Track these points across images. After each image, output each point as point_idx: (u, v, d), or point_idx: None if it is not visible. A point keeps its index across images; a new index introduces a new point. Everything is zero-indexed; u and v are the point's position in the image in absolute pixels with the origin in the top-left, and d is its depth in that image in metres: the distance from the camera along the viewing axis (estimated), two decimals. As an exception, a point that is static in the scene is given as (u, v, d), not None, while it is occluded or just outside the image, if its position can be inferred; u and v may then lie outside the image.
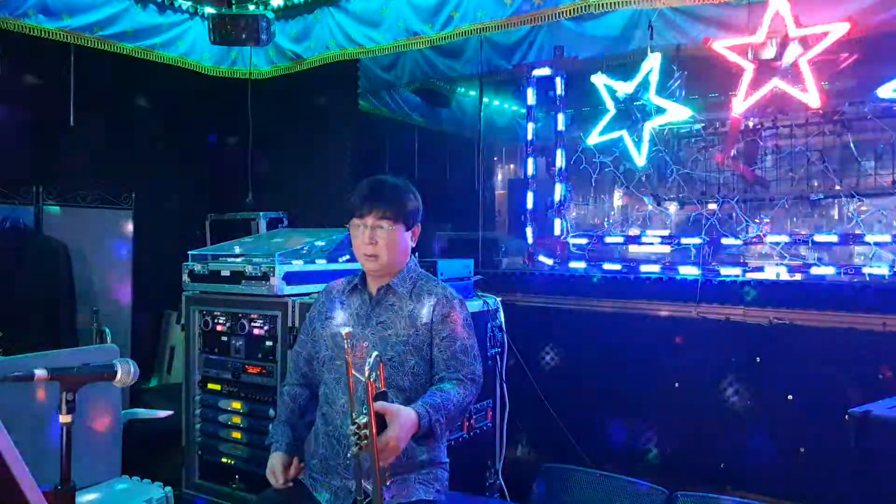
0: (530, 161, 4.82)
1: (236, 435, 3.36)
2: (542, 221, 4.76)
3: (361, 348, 2.15)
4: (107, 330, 4.42)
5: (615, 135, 4.45)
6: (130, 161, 5.13)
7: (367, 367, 1.79)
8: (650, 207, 4.64)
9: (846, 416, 2.28)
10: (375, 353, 1.84)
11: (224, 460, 3.40)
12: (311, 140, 5.48)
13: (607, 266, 4.33)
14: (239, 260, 3.40)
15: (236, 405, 3.35)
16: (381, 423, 1.83)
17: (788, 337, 3.51)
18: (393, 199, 2.20)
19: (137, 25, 4.75)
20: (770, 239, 4.05)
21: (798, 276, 3.78)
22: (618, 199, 5.29)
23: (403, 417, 1.88)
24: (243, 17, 4.69)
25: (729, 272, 3.91)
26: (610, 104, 4.45)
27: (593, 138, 4.52)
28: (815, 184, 4.33)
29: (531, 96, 4.78)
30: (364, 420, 1.78)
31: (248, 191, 5.54)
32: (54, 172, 4.69)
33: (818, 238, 3.94)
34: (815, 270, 3.77)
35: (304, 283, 3.25)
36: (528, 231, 4.75)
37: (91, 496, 2.70)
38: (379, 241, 2.17)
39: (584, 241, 4.61)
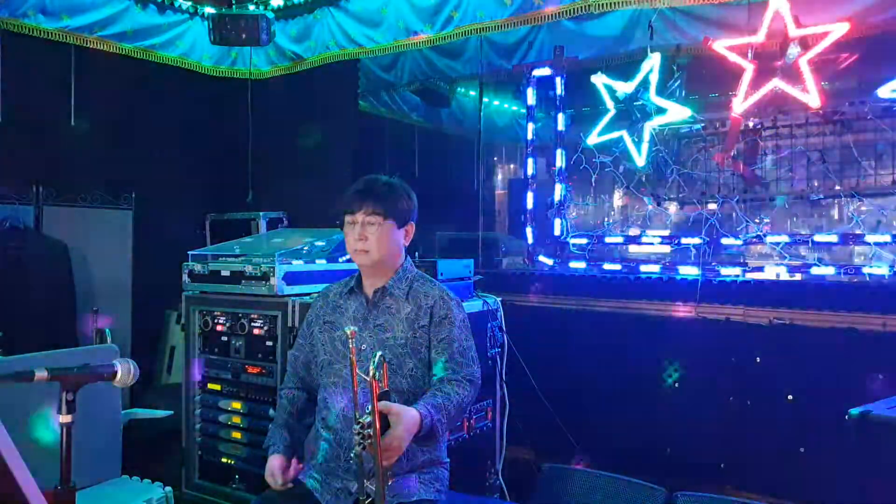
0: (530, 161, 4.82)
1: (236, 435, 3.36)
2: (542, 221, 4.76)
3: (360, 350, 2.15)
4: (107, 330, 4.42)
5: (615, 135, 4.45)
6: (130, 161, 5.13)
7: (371, 367, 1.79)
8: (650, 207, 4.63)
9: (846, 416, 2.28)
10: (380, 353, 1.84)
11: (224, 460, 3.40)
12: (310, 140, 5.48)
13: (607, 266, 4.34)
14: (239, 260, 3.40)
15: (236, 405, 3.35)
16: (385, 422, 1.83)
17: (788, 337, 3.51)
18: (384, 196, 2.20)
19: (137, 25, 4.76)
20: (770, 239, 4.05)
21: (798, 276, 3.78)
22: (618, 199, 5.28)
23: (407, 417, 1.89)
24: (243, 17, 4.69)
25: (729, 272, 3.92)
26: (610, 104, 4.45)
27: (593, 138, 4.52)
28: (815, 184, 4.33)
29: (531, 96, 4.78)
30: (368, 419, 1.78)
31: (248, 191, 5.54)
32: (54, 172, 4.68)
33: (818, 238, 3.94)
34: (815, 270, 3.77)
35: (304, 283, 3.25)
36: (528, 231, 4.75)
37: (91, 496, 2.70)
38: (370, 237, 2.17)
39: (584, 241, 4.61)
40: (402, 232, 2.26)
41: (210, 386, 3.45)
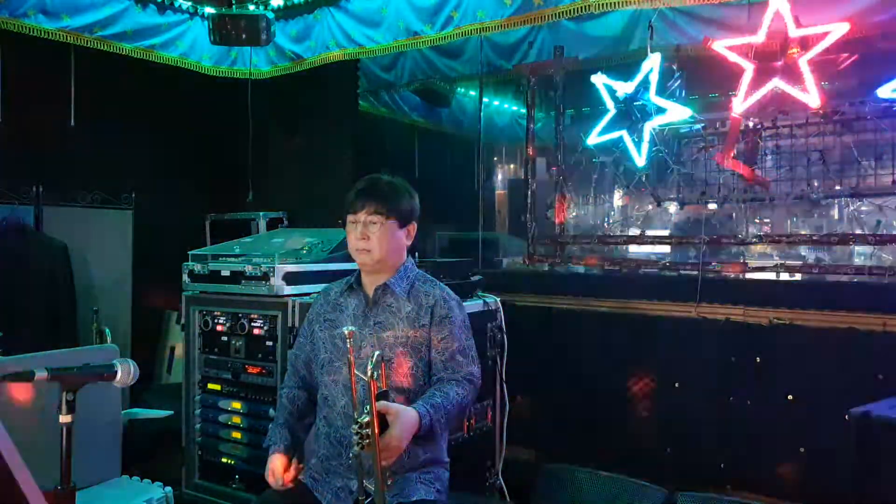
0: (530, 161, 4.82)
1: (236, 435, 3.36)
2: (542, 221, 4.76)
3: (360, 349, 2.15)
4: (107, 330, 4.41)
5: (615, 135, 4.45)
6: (130, 161, 5.13)
7: (369, 367, 1.79)
8: (650, 207, 4.63)
9: (846, 416, 2.28)
10: (378, 353, 1.84)
11: (224, 460, 3.40)
12: (311, 140, 5.48)
13: (607, 266, 4.33)
14: (239, 260, 3.40)
15: (236, 405, 3.35)
16: (383, 422, 1.83)
17: (788, 337, 3.51)
18: (386, 196, 2.20)
19: (137, 25, 4.75)
20: (770, 239, 4.05)
21: (798, 276, 3.78)
22: (618, 199, 5.28)
23: (405, 417, 1.89)
24: (243, 17, 4.69)
25: (729, 272, 3.91)
26: (610, 104, 4.45)
27: (593, 138, 4.52)
28: (815, 184, 4.33)
29: (531, 96, 4.78)
30: (366, 419, 1.78)
31: (248, 191, 5.54)
32: (54, 172, 4.69)
33: (818, 238, 3.94)
34: (815, 270, 3.77)
35: (304, 283, 3.25)
36: (528, 231, 4.75)
37: (91, 496, 2.70)
38: (371, 237, 2.17)
39: (584, 241, 4.61)
40: (403, 232, 2.26)
41: (210, 386, 3.46)
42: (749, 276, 3.84)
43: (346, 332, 1.85)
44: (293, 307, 3.14)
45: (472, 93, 6.38)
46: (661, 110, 4.28)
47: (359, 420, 1.78)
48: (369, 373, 1.78)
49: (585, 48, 4.81)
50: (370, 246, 2.18)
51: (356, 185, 2.26)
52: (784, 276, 3.80)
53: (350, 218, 2.22)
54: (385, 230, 2.18)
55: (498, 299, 3.56)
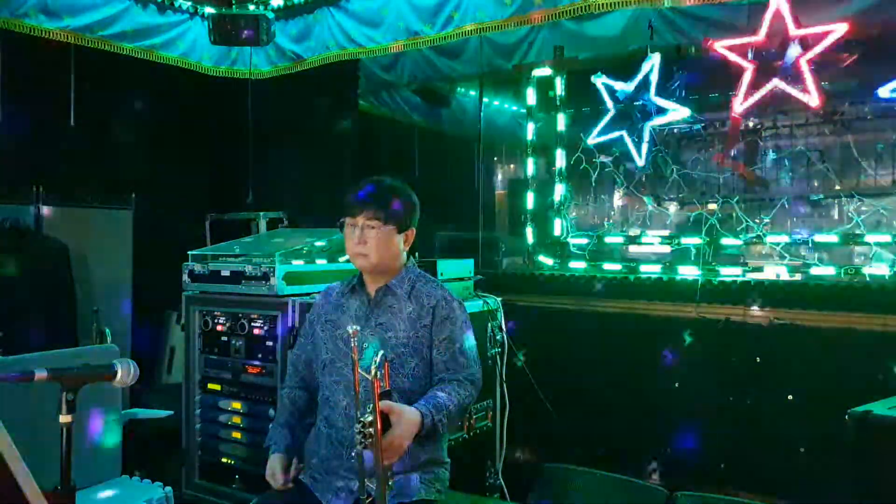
0: (530, 161, 4.82)
1: (236, 435, 3.36)
2: (542, 221, 4.76)
3: (362, 349, 2.15)
4: (107, 330, 4.42)
5: (615, 135, 4.45)
6: (130, 161, 5.13)
7: (373, 366, 1.79)
8: (650, 207, 4.63)
9: (846, 416, 2.28)
10: (381, 352, 1.84)
11: (224, 460, 3.40)
12: (311, 140, 5.47)
13: (607, 266, 4.33)
14: (239, 260, 3.40)
15: (236, 405, 3.35)
16: (386, 421, 1.83)
17: (788, 337, 3.51)
18: (385, 201, 2.19)
19: (137, 25, 4.75)
20: (770, 239, 4.05)
21: (798, 276, 3.78)
22: (618, 199, 5.28)
23: (408, 417, 1.89)
24: (243, 17, 4.69)
25: (729, 272, 3.91)
26: (610, 104, 4.45)
27: (593, 138, 4.52)
28: (815, 184, 4.33)
29: (531, 96, 4.78)
30: (369, 419, 1.78)
31: (248, 191, 5.54)
32: (54, 172, 4.68)
33: (818, 238, 3.94)
34: (815, 270, 3.77)
35: (304, 283, 3.25)
36: (528, 231, 4.75)
37: (91, 496, 2.70)
38: (369, 242, 2.17)
39: (584, 241, 4.61)
40: (401, 237, 2.25)
41: (210, 386, 3.46)
42: (749, 276, 3.84)
43: (350, 330, 1.85)
44: (293, 307, 3.14)
45: (472, 93, 6.37)
46: (661, 110, 4.28)
47: (362, 419, 1.79)
48: (373, 372, 1.79)
49: (585, 48, 4.81)
50: (367, 251, 2.18)
51: (355, 187, 2.25)
52: (784, 276, 3.80)
53: (348, 221, 2.22)
54: (383, 235, 2.17)
55: (498, 299, 3.56)
